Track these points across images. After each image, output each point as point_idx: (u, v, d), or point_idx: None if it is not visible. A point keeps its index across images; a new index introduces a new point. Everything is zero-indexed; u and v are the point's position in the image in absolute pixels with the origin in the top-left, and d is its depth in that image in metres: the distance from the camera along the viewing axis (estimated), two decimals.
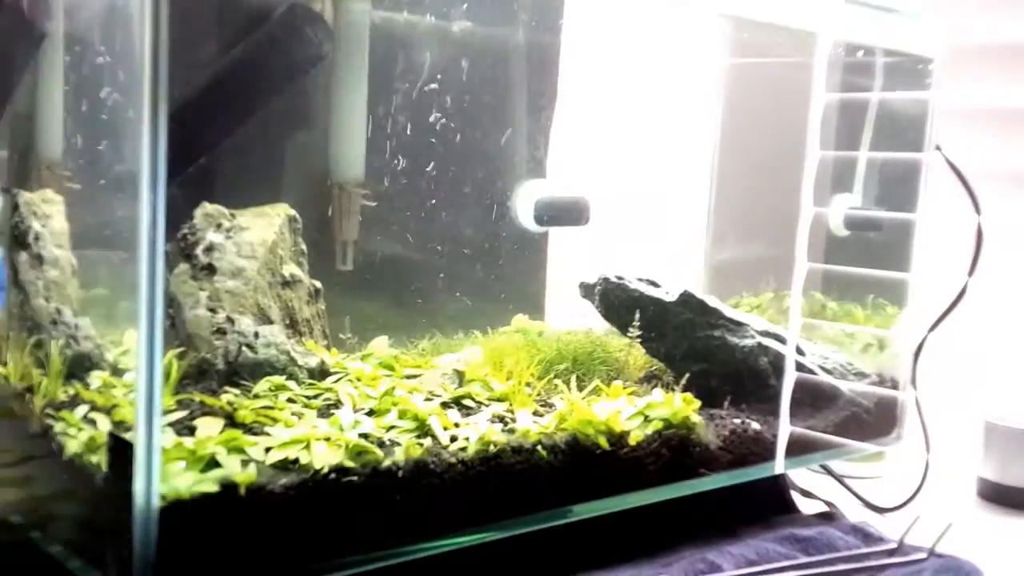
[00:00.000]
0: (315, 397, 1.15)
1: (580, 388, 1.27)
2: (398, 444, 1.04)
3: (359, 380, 1.21)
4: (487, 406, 1.20)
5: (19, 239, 1.07)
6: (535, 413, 1.20)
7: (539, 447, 1.11)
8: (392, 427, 1.08)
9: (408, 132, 1.41)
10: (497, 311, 1.52)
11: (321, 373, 1.22)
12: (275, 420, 1.05)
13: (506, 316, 1.52)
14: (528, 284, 1.59)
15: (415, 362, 1.31)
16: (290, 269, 1.24)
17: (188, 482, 0.89)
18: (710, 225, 1.78)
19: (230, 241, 1.19)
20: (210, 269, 1.17)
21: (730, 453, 1.29)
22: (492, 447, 1.08)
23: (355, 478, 0.98)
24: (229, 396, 1.10)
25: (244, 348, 1.16)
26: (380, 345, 1.34)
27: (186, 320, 1.16)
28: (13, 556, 1.00)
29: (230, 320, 1.16)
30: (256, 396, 1.12)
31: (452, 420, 1.12)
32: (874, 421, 1.48)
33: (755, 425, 1.32)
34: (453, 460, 1.05)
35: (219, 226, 1.19)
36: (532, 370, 1.29)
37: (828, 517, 1.38)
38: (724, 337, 1.37)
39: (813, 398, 1.39)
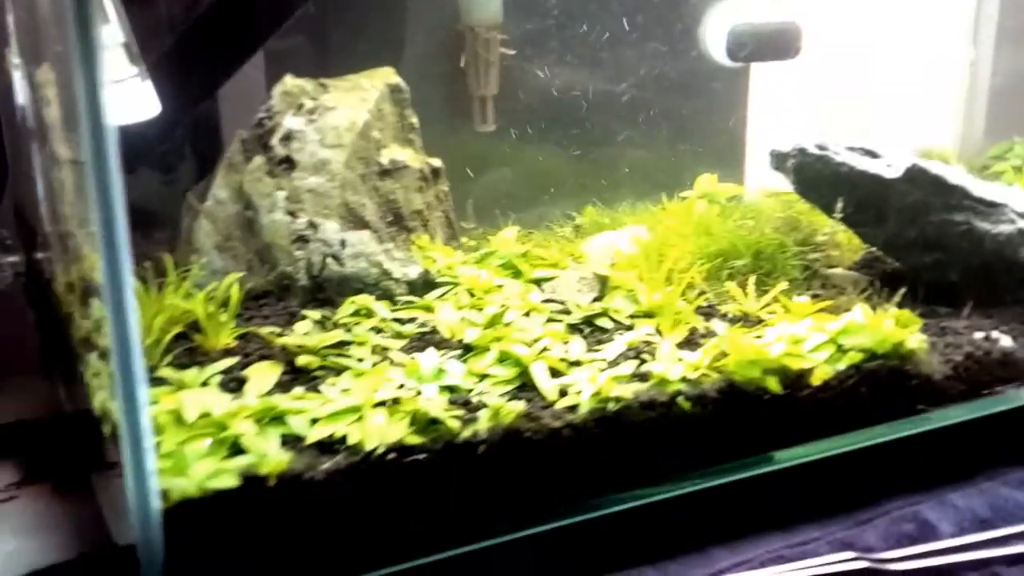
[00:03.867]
0: (409, 321, 0.95)
1: (763, 292, 0.99)
2: (485, 406, 0.82)
3: (471, 293, 0.99)
4: (627, 329, 0.95)
5: None
6: (686, 340, 0.93)
7: (680, 399, 0.85)
8: (486, 375, 0.87)
9: None
10: (679, 171, 1.23)
11: (425, 284, 1.01)
12: (343, 367, 0.86)
13: (690, 177, 1.22)
14: (720, 136, 1.27)
15: (550, 258, 1.06)
16: (391, 153, 1.02)
17: (200, 475, 0.73)
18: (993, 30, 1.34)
19: (312, 127, 0.98)
20: (289, 163, 0.98)
21: (964, 383, 0.97)
22: (613, 404, 0.84)
23: (421, 456, 0.78)
24: (305, 323, 0.93)
25: (329, 260, 0.97)
26: (506, 240, 1.10)
27: (263, 226, 0.98)
28: None
29: (312, 225, 0.97)
30: (336, 325, 0.94)
31: (572, 356, 0.89)
32: None
33: (1007, 340, 0.98)
34: (557, 423, 0.82)
35: (300, 107, 0.98)
36: (697, 271, 1.01)
37: None
38: (970, 221, 1.02)
39: None
